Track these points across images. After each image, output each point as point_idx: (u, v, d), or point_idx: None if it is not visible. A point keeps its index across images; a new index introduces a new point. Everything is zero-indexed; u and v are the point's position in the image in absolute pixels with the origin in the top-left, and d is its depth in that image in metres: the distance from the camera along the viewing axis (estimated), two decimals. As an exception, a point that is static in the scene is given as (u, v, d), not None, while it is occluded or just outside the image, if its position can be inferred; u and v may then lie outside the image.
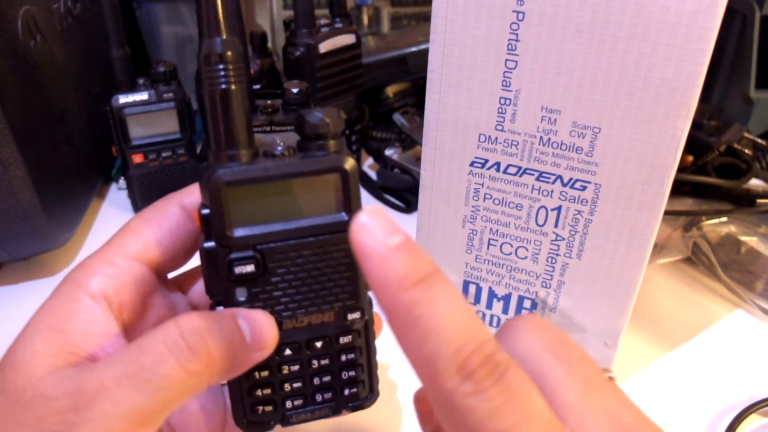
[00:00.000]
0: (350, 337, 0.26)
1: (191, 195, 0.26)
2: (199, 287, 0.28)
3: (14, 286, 0.45)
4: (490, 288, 0.37)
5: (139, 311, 0.24)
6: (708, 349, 0.41)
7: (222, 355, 0.21)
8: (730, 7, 0.31)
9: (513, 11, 0.29)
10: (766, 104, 0.62)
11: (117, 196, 0.57)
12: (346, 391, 0.26)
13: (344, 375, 0.26)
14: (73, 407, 0.20)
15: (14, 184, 0.39)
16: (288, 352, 0.25)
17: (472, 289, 0.38)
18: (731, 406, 0.36)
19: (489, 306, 0.38)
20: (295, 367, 0.25)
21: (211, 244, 0.23)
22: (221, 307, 0.24)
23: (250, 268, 0.23)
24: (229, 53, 0.22)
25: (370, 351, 0.27)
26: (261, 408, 0.25)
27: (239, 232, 0.23)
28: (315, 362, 0.25)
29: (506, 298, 0.37)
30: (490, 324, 0.38)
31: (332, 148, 0.23)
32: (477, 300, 0.38)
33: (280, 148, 0.23)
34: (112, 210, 0.55)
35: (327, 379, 0.26)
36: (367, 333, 0.26)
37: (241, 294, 0.23)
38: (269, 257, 0.23)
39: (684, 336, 0.42)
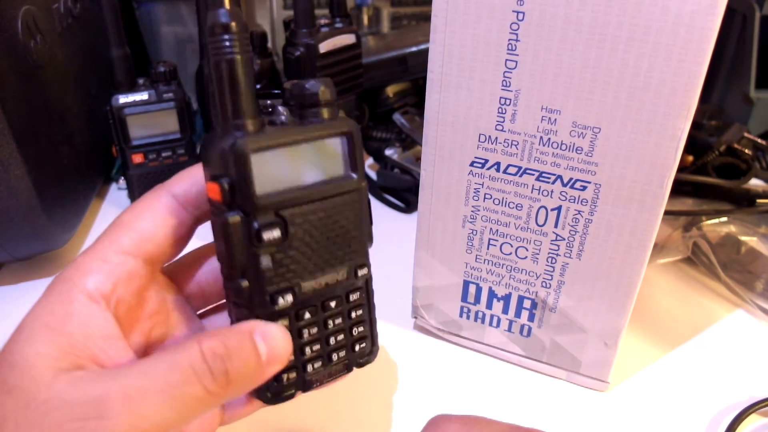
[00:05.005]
0: (358, 294, 0.27)
1: (179, 184, 0.25)
2: (191, 276, 0.28)
3: (14, 286, 0.45)
4: (490, 288, 0.37)
5: (133, 307, 0.24)
6: (708, 349, 0.41)
7: (239, 377, 0.22)
8: (730, 7, 0.31)
9: (513, 11, 0.29)
10: (766, 104, 0.62)
11: (117, 196, 0.57)
12: (357, 348, 0.28)
13: (354, 332, 0.27)
14: (96, 415, 0.20)
15: (14, 184, 0.39)
16: (307, 315, 0.26)
17: (472, 289, 0.38)
18: (731, 406, 0.36)
19: (489, 306, 0.38)
20: (314, 330, 0.26)
21: (235, 215, 0.23)
22: (245, 280, 0.24)
23: (276, 233, 0.23)
24: (234, 24, 0.22)
25: (371, 306, 0.28)
26: (286, 376, 0.26)
27: (264, 199, 0.23)
28: (330, 322, 0.26)
29: (506, 298, 0.37)
30: (491, 324, 0.38)
31: (327, 114, 0.25)
32: (477, 300, 0.38)
33: (283, 117, 0.24)
34: (112, 210, 0.55)
35: (341, 337, 0.27)
36: (368, 288, 0.28)
37: (266, 261, 0.24)
38: (290, 221, 0.24)
39: (684, 336, 0.42)
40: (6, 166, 0.39)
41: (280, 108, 0.25)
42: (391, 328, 0.41)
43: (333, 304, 0.26)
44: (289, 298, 0.24)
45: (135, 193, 0.53)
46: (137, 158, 0.51)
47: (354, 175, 0.25)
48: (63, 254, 0.48)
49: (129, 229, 0.24)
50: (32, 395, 0.20)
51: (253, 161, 0.23)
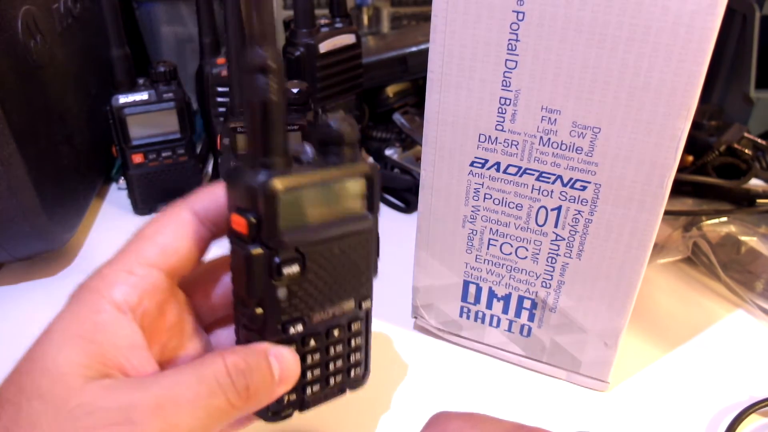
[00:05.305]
0: (359, 323, 0.28)
1: (200, 200, 0.26)
2: (203, 289, 0.29)
3: (14, 286, 0.45)
4: (490, 288, 0.37)
5: (155, 318, 0.25)
6: (708, 349, 0.41)
7: (257, 392, 0.24)
8: (730, 7, 0.31)
9: (513, 11, 0.29)
10: (766, 104, 0.62)
11: (117, 196, 0.57)
12: (352, 373, 0.29)
13: (351, 358, 0.28)
14: (127, 421, 0.21)
15: (14, 184, 0.39)
16: (312, 343, 0.27)
17: (472, 289, 0.38)
18: (731, 406, 0.36)
19: (489, 306, 0.38)
20: (317, 356, 0.27)
21: (257, 247, 0.24)
22: (259, 308, 0.25)
23: (296, 268, 0.24)
24: (271, 64, 0.22)
25: (368, 333, 0.29)
26: (287, 397, 0.26)
27: (288, 236, 0.24)
28: (332, 349, 0.27)
29: (506, 298, 0.37)
30: (491, 324, 0.38)
31: (348, 154, 0.26)
32: (477, 300, 0.38)
33: (309, 155, 0.25)
34: (112, 210, 0.55)
35: (340, 363, 0.28)
36: (367, 317, 0.29)
37: (282, 293, 0.25)
38: (308, 257, 0.25)
39: (684, 336, 0.42)
40: (6, 166, 0.39)
41: (307, 147, 0.26)
42: (391, 328, 0.41)
43: (336, 332, 0.27)
44: (300, 327, 0.26)
45: (135, 193, 0.53)
46: (137, 158, 0.51)
47: (370, 216, 0.26)
48: (63, 254, 0.48)
49: (152, 243, 0.25)
50: (64, 401, 0.21)
51: (281, 200, 0.23)
